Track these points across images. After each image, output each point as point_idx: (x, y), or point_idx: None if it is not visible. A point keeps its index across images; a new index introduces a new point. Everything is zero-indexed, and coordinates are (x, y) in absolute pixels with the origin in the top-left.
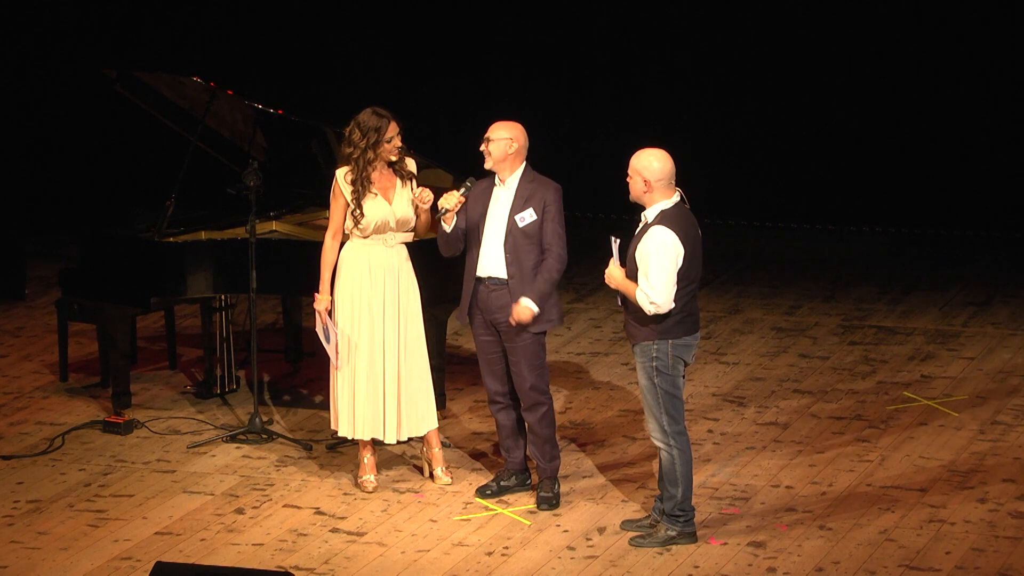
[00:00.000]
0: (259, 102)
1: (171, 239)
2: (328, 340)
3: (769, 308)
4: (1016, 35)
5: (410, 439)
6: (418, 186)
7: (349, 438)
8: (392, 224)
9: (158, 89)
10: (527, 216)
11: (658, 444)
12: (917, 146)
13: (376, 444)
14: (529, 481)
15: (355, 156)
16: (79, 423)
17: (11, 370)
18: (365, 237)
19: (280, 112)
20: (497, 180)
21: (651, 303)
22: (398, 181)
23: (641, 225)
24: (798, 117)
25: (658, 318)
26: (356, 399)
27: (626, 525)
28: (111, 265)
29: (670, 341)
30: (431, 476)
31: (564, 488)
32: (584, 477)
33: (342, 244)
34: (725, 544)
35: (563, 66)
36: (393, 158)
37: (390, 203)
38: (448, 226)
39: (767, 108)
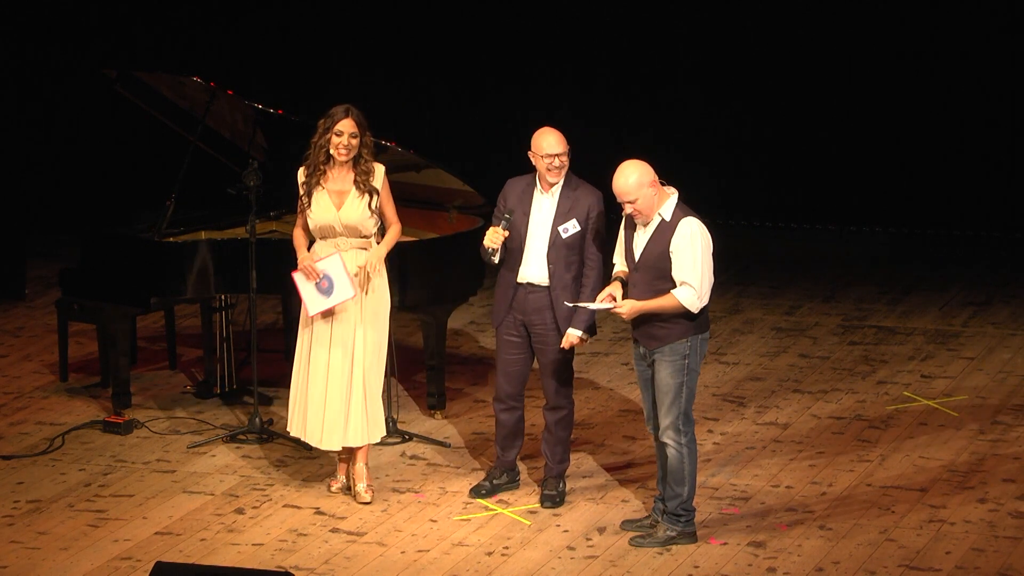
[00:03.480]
0: (259, 102)
1: (171, 239)
2: (332, 292)
3: (769, 308)
4: (1016, 35)
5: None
6: (377, 198)
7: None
8: (339, 229)
9: (158, 89)
10: (570, 227)
11: (668, 443)
12: (917, 146)
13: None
14: (519, 479)
15: (314, 140)
16: (79, 423)
17: (11, 370)
18: (319, 238)
19: (280, 112)
20: (539, 186)
21: (699, 298)
22: (354, 189)
23: (657, 223)
24: (798, 117)
25: (691, 314)
26: (302, 400)
27: (626, 525)
28: (111, 265)
29: (699, 337)
30: (350, 491)
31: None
32: (584, 477)
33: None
34: (725, 544)
35: (563, 67)
36: (338, 155)
37: (338, 208)
38: (496, 260)
39: (767, 108)
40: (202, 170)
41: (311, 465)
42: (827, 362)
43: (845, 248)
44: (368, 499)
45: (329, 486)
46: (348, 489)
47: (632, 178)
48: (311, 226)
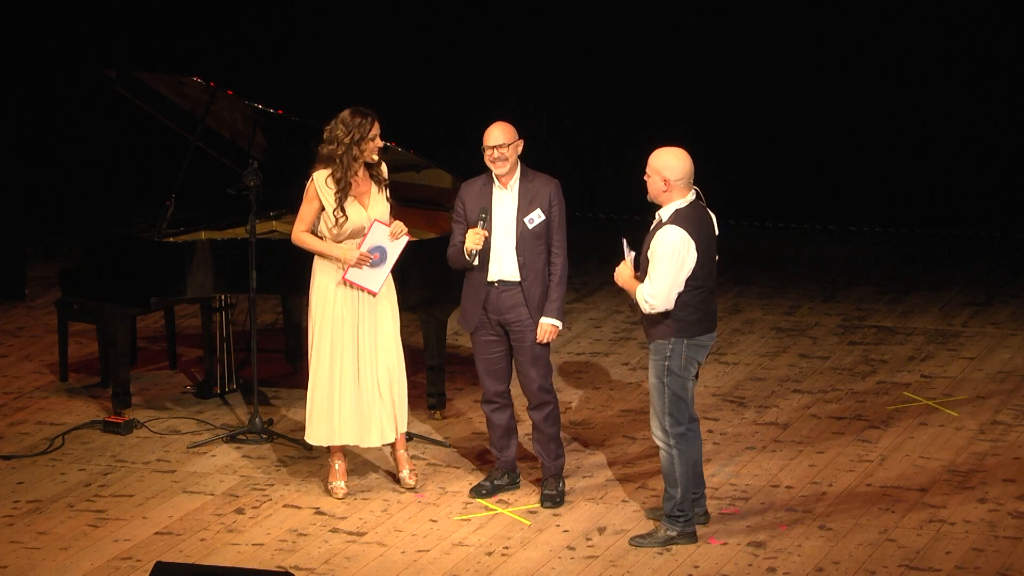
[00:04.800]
0: (259, 102)
1: (171, 239)
2: (387, 255)
3: (769, 308)
4: (1016, 35)
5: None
6: (389, 193)
7: (325, 446)
8: (368, 229)
9: (158, 89)
10: (535, 217)
11: (658, 443)
12: (917, 146)
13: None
14: (519, 480)
15: (340, 153)
16: (79, 423)
17: (11, 370)
18: (339, 241)
19: (280, 112)
20: (497, 183)
21: (646, 302)
22: (374, 186)
23: (655, 223)
24: (798, 117)
25: (676, 316)
26: (341, 406)
27: (651, 513)
28: (111, 265)
29: (685, 341)
30: (396, 479)
31: (565, 487)
32: (584, 477)
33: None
34: (725, 544)
35: (564, 65)
36: (374, 157)
37: (366, 208)
38: (476, 262)
39: (767, 108)
40: (202, 170)
41: (311, 465)
42: (827, 362)
43: (845, 248)
44: (412, 484)
45: (334, 493)
46: (348, 493)
47: (662, 159)
48: (341, 232)
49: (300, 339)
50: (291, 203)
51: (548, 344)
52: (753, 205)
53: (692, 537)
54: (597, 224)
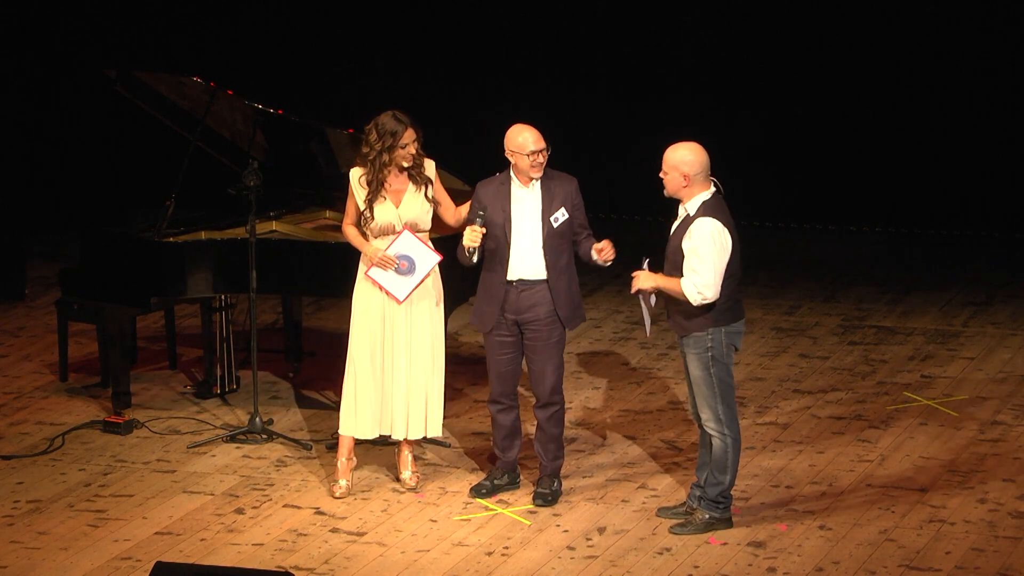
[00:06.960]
0: (259, 102)
1: (171, 239)
2: (415, 268)
3: (769, 308)
4: (1016, 35)
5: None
6: (434, 192)
7: (337, 441)
8: (398, 227)
9: (158, 89)
10: (560, 216)
11: (712, 432)
12: (917, 146)
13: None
14: (519, 480)
15: (371, 158)
16: (79, 423)
17: (11, 370)
18: (375, 237)
19: (280, 112)
20: (516, 182)
21: (699, 293)
22: (411, 185)
23: (683, 217)
24: (798, 117)
25: (709, 307)
26: (366, 399)
27: (662, 512)
28: (111, 265)
29: (723, 329)
30: (397, 478)
31: (564, 487)
32: (584, 477)
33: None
34: (725, 544)
35: (566, 68)
36: (406, 164)
37: (397, 206)
38: (475, 259)
39: (767, 109)
40: (202, 170)
41: (311, 465)
42: (827, 362)
43: (845, 248)
44: (413, 485)
45: (332, 493)
46: (349, 492)
47: (678, 155)
48: (371, 230)
49: (300, 339)
50: (290, 203)
51: (563, 346)
52: (753, 205)
53: (729, 523)
54: (597, 224)
